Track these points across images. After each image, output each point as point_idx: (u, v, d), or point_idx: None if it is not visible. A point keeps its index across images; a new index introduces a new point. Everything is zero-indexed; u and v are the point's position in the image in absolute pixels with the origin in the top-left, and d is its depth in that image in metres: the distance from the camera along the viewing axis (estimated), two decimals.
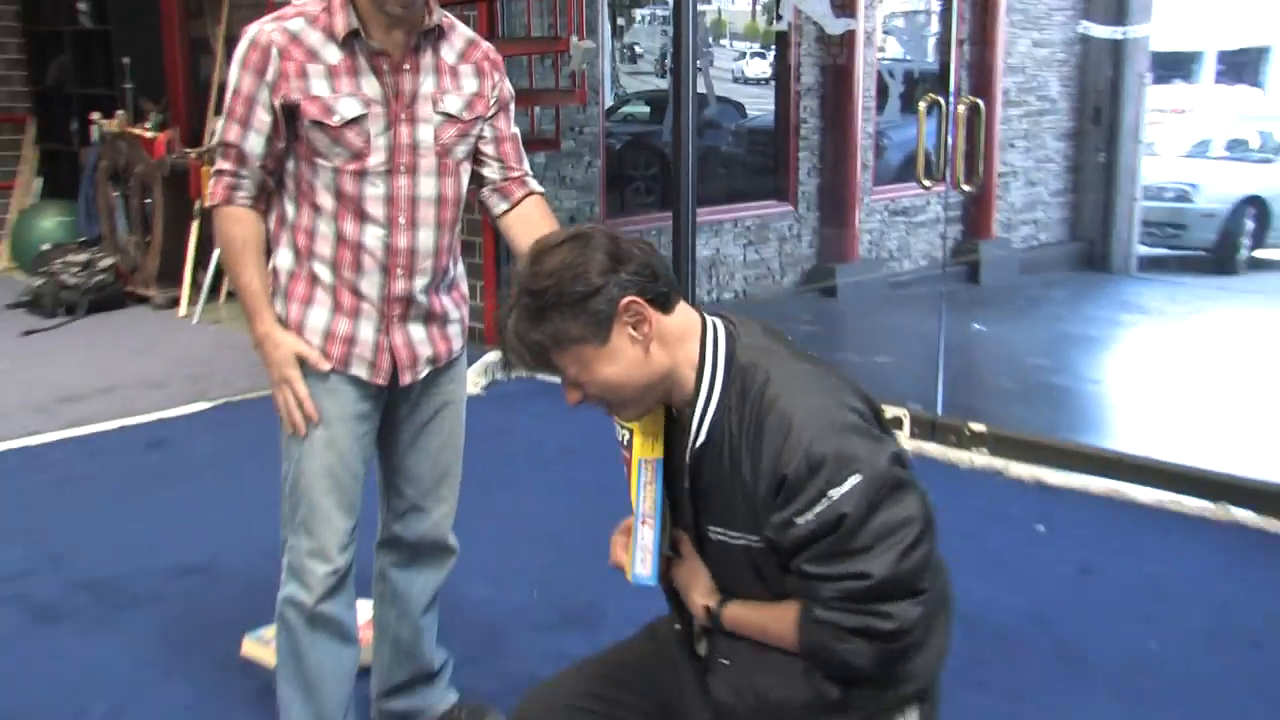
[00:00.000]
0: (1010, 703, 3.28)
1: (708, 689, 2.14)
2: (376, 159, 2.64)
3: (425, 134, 2.68)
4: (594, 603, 3.88)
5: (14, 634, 3.79)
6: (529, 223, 2.81)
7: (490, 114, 2.81)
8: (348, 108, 2.60)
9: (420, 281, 2.74)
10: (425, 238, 2.72)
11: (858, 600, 1.91)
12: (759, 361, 2.02)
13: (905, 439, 5.25)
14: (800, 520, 1.89)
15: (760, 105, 9.49)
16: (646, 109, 9.26)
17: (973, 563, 4.06)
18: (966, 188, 5.70)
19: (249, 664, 3.53)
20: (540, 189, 2.90)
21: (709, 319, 2.10)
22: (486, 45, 2.82)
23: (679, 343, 2.05)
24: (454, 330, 2.89)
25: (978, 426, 5.14)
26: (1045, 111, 9.97)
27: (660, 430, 2.14)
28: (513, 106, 2.89)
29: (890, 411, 5.34)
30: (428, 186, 2.70)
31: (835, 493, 1.88)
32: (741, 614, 2.06)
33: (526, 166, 2.89)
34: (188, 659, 3.59)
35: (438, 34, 2.69)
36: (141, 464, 5.27)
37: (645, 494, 2.13)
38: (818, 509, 1.89)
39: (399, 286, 2.71)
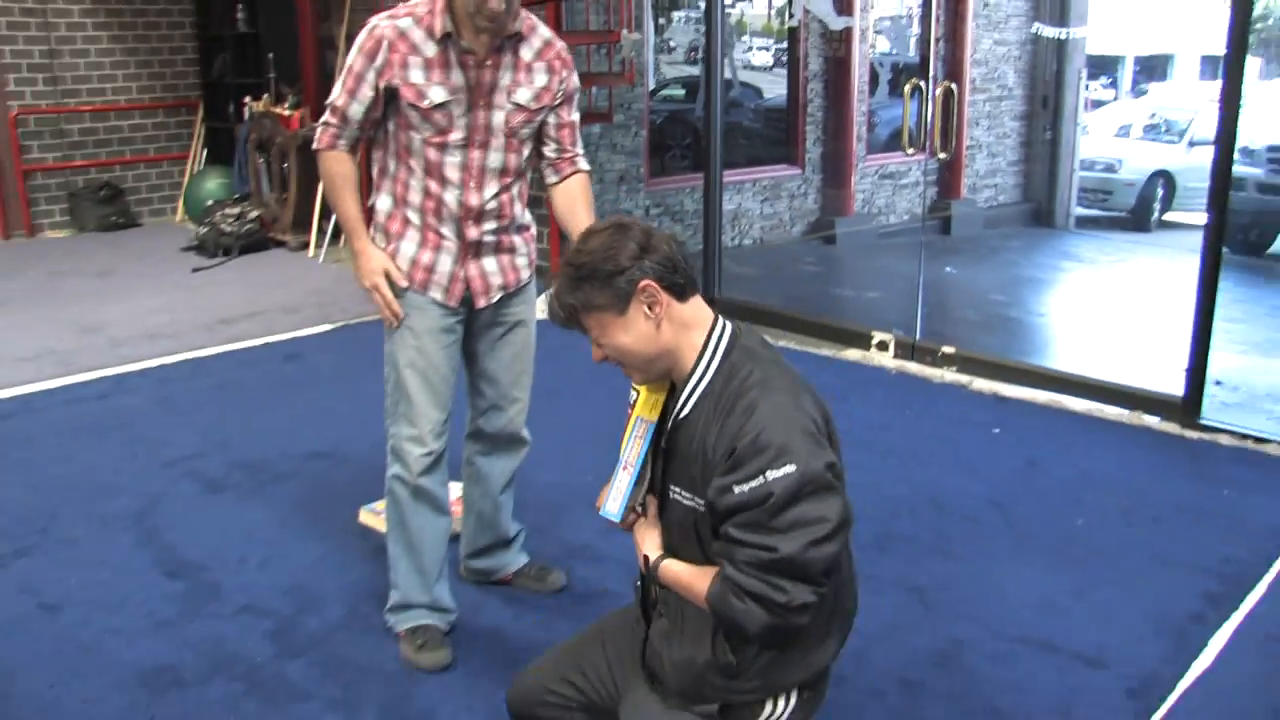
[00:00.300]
0: (972, 568, 3.31)
1: (644, 656, 2.14)
2: (457, 136, 2.71)
3: (498, 119, 2.74)
4: None
5: (191, 501, 3.87)
6: (570, 195, 2.86)
7: (555, 104, 2.82)
8: (437, 94, 2.66)
9: (489, 226, 2.80)
10: (491, 197, 2.78)
11: (762, 569, 1.87)
12: (749, 360, 1.98)
13: (890, 359, 5.26)
14: (736, 489, 1.86)
15: (770, 89, 9.49)
16: (682, 91, 9.28)
17: (943, 459, 4.08)
18: (942, 155, 5.65)
19: (365, 529, 3.60)
20: (587, 167, 2.89)
21: (722, 320, 2.06)
22: (560, 46, 2.81)
23: (686, 328, 2.01)
24: (522, 263, 2.93)
25: (948, 349, 5.13)
26: (1003, 97, 9.88)
27: (661, 399, 2.11)
28: (577, 97, 2.87)
29: (878, 336, 5.35)
30: (495, 159, 2.76)
31: (771, 474, 1.84)
32: (674, 569, 2.03)
33: (579, 148, 2.89)
34: (318, 524, 3.66)
35: (519, 38, 2.71)
36: (281, 372, 5.32)
37: (633, 445, 2.11)
38: (752, 484, 1.85)
39: (471, 232, 2.79)
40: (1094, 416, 4.53)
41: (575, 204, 2.85)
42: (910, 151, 5.85)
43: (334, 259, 7.66)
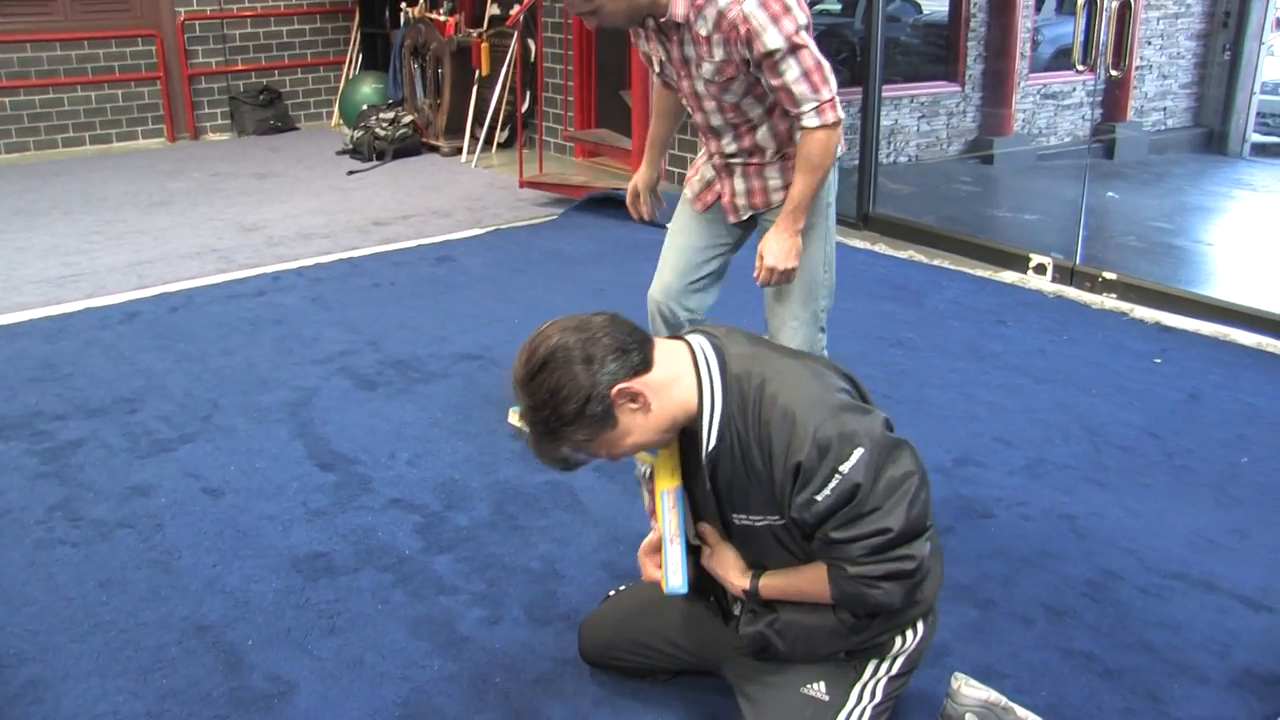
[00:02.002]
0: (1127, 499, 3.20)
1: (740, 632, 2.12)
2: (682, 97, 2.97)
3: (699, 86, 2.83)
4: None
5: (344, 396, 3.96)
6: (798, 154, 2.81)
7: (753, 69, 2.72)
8: (653, 59, 2.94)
9: (735, 160, 2.94)
10: (728, 143, 2.92)
11: (881, 552, 1.85)
12: (750, 368, 1.92)
13: (1048, 283, 5.09)
14: (820, 497, 1.83)
15: (930, 3, 9.15)
16: (838, 5, 9.03)
17: (1100, 387, 3.94)
18: (1114, 72, 5.38)
19: (513, 430, 3.63)
20: (813, 124, 2.71)
21: (695, 342, 1.99)
22: (735, 14, 2.62)
23: (674, 385, 1.94)
24: (774, 185, 2.95)
25: (1109, 274, 4.94)
26: (1180, 15, 9.35)
27: (676, 462, 2.05)
28: (776, 60, 2.65)
29: (1036, 259, 5.17)
30: (715, 118, 2.89)
31: (845, 467, 1.82)
32: (776, 583, 2.00)
33: (804, 105, 2.69)
34: (467, 422, 3.71)
35: (691, 19, 2.72)
36: (431, 274, 5.38)
37: (670, 518, 2.05)
38: (833, 484, 1.82)
39: (717, 160, 2.99)
40: (1263, 351, 4.31)
41: (799, 163, 2.80)
42: (1080, 69, 5.59)
43: (486, 164, 7.71)
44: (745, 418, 1.89)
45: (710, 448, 1.94)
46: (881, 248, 5.69)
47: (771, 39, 2.62)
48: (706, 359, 1.95)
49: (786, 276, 2.89)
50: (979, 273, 5.26)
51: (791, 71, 2.66)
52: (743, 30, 2.63)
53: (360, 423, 3.73)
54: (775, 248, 2.84)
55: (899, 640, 2.05)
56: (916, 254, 5.55)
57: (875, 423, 1.86)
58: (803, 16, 2.67)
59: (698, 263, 3.12)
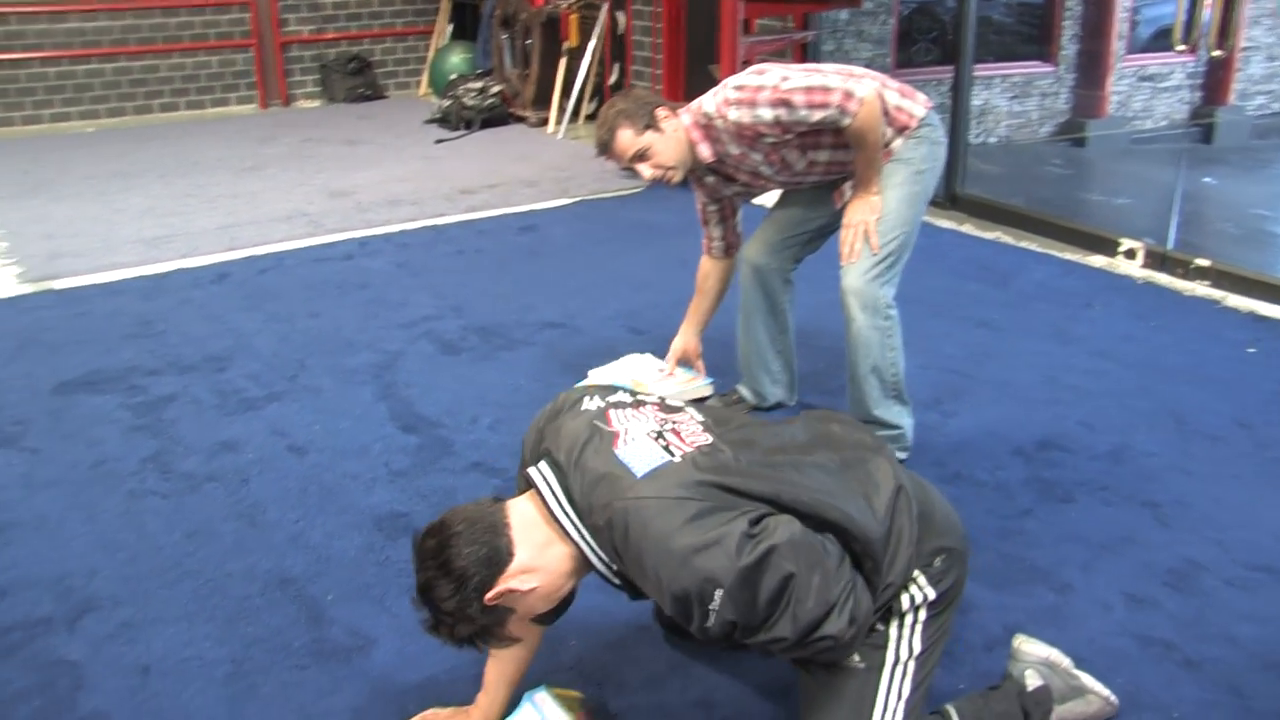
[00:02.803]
0: (1213, 489, 3.13)
1: None
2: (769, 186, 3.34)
3: (769, 172, 3.15)
4: None
5: (427, 360, 4.02)
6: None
7: (781, 136, 2.98)
8: (726, 196, 3.39)
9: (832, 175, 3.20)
10: (816, 177, 3.19)
11: (796, 646, 1.83)
12: (598, 502, 1.83)
13: (1137, 268, 4.99)
14: (708, 626, 1.78)
15: None
16: None
17: (1189, 375, 3.86)
18: (1217, 53, 5.27)
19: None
20: (846, 122, 2.89)
21: (543, 489, 1.92)
22: (733, 122, 2.97)
23: (547, 550, 1.90)
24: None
25: (1202, 261, 4.82)
26: None
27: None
28: (785, 121, 2.92)
29: (1126, 244, 5.07)
30: (801, 170, 3.14)
31: (712, 608, 1.75)
32: None
33: (832, 122, 2.90)
34: (549, 388, 3.71)
35: (719, 152, 3.10)
36: (516, 243, 5.42)
37: None
38: (710, 622, 1.77)
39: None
40: None
41: (854, 149, 3.01)
42: (1180, 49, 5.47)
43: (573, 135, 7.73)
44: (621, 558, 1.85)
45: (615, 570, 1.92)
46: (969, 228, 5.62)
47: (768, 115, 2.91)
48: (561, 508, 1.90)
49: (868, 233, 3.04)
50: (1067, 256, 5.17)
51: (803, 113, 2.89)
52: (750, 131, 2.97)
53: (444, 387, 3.78)
54: (853, 210, 3.06)
55: (906, 599, 2.00)
56: (1004, 235, 5.48)
57: (730, 542, 1.74)
58: (770, 77, 2.93)
59: (797, 221, 3.32)
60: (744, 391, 3.59)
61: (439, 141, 7.65)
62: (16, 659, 2.45)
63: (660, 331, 4.24)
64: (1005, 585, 2.62)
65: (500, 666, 2.20)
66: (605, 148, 3.05)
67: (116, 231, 5.57)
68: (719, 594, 1.74)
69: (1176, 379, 3.82)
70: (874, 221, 3.04)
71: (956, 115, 5.96)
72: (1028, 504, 3.04)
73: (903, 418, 3.22)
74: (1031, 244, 5.35)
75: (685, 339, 3.57)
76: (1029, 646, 2.27)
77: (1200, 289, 4.72)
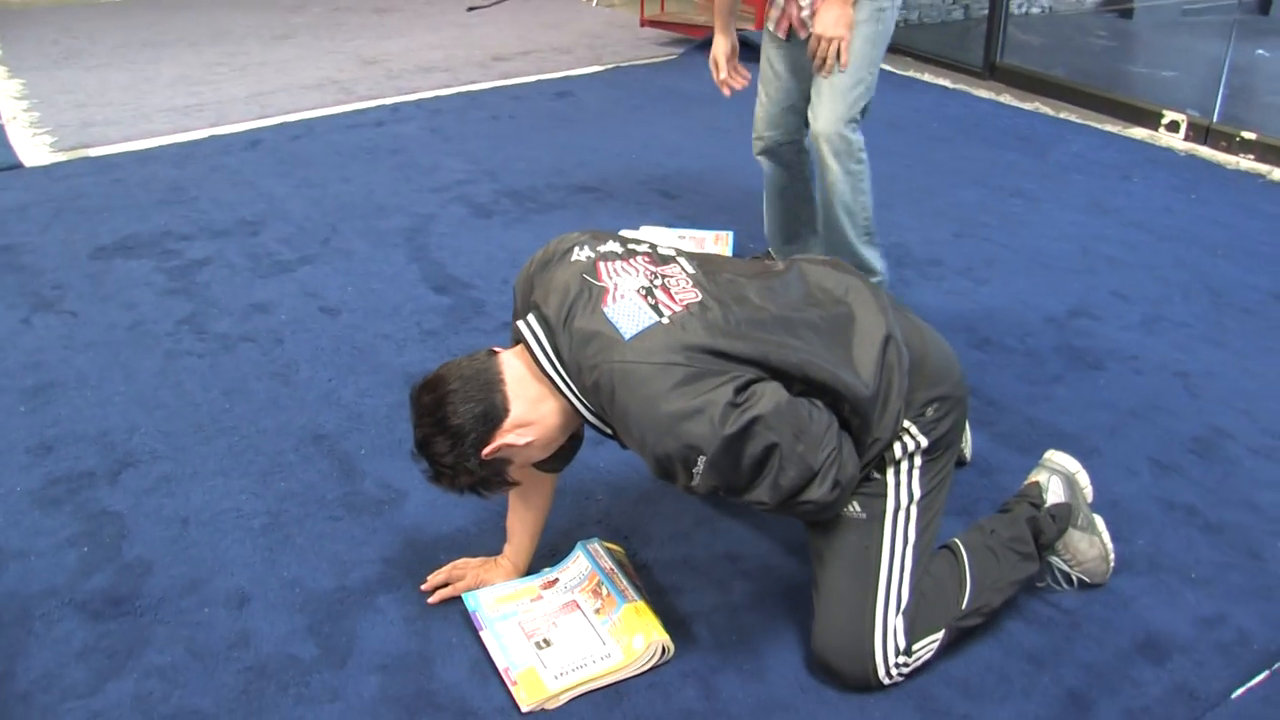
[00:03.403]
0: (1245, 361, 3.12)
1: None
2: None
3: None
4: (900, 242, 3.83)
5: (460, 223, 4.02)
6: None
7: None
8: None
9: None
10: None
11: (777, 509, 1.85)
12: (586, 363, 1.81)
13: (1180, 141, 4.90)
14: (692, 485, 1.79)
15: None
16: None
17: (1227, 248, 3.81)
18: None
19: None
20: None
21: (528, 342, 1.91)
22: None
23: (538, 402, 1.91)
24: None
25: (1248, 134, 4.73)
26: None
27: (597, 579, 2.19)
28: None
29: (1169, 116, 4.97)
30: None
31: (696, 474, 1.76)
32: None
33: None
34: None
35: None
36: (550, 108, 5.37)
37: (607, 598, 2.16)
38: (694, 483, 1.78)
39: None
40: None
41: None
42: None
43: (607, 3, 7.60)
44: (607, 412, 1.85)
45: (602, 422, 1.93)
46: (1007, 98, 5.52)
47: None
48: (552, 364, 1.90)
49: (836, 47, 2.97)
50: (1107, 128, 5.08)
51: None
52: None
53: (475, 249, 3.79)
54: (826, 17, 2.96)
55: (899, 447, 2.00)
56: (1043, 106, 5.38)
57: (715, 410, 1.73)
58: None
59: (788, 90, 3.25)
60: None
61: (472, 9, 7.54)
62: (64, 509, 2.52)
63: (691, 197, 4.23)
64: (1032, 449, 2.63)
65: (522, 517, 2.25)
66: None
67: (147, 100, 5.55)
68: (702, 460, 1.75)
69: (1214, 252, 3.78)
70: (848, 39, 2.97)
71: None
72: (1057, 370, 3.04)
73: (878, 261, 3.23)
74: (1071, 115, 5.25)
75: (721, 43, 3.33)
76: (1059, 457, 2.31)
77: (1245, 163, 4.64)
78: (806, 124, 3.25)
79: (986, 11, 5.98)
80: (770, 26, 3.21)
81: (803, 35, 3.09)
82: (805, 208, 3.44)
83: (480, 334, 3.23)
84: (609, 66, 6.09)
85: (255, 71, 6.04)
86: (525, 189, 4.30)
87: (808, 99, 3.17)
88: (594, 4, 7.60)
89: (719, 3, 3.31)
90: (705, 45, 6.37)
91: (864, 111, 3.06)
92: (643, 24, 6.80)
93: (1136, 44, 7.61)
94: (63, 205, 4.23)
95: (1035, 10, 7.47)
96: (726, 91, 3.34)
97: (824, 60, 2.99)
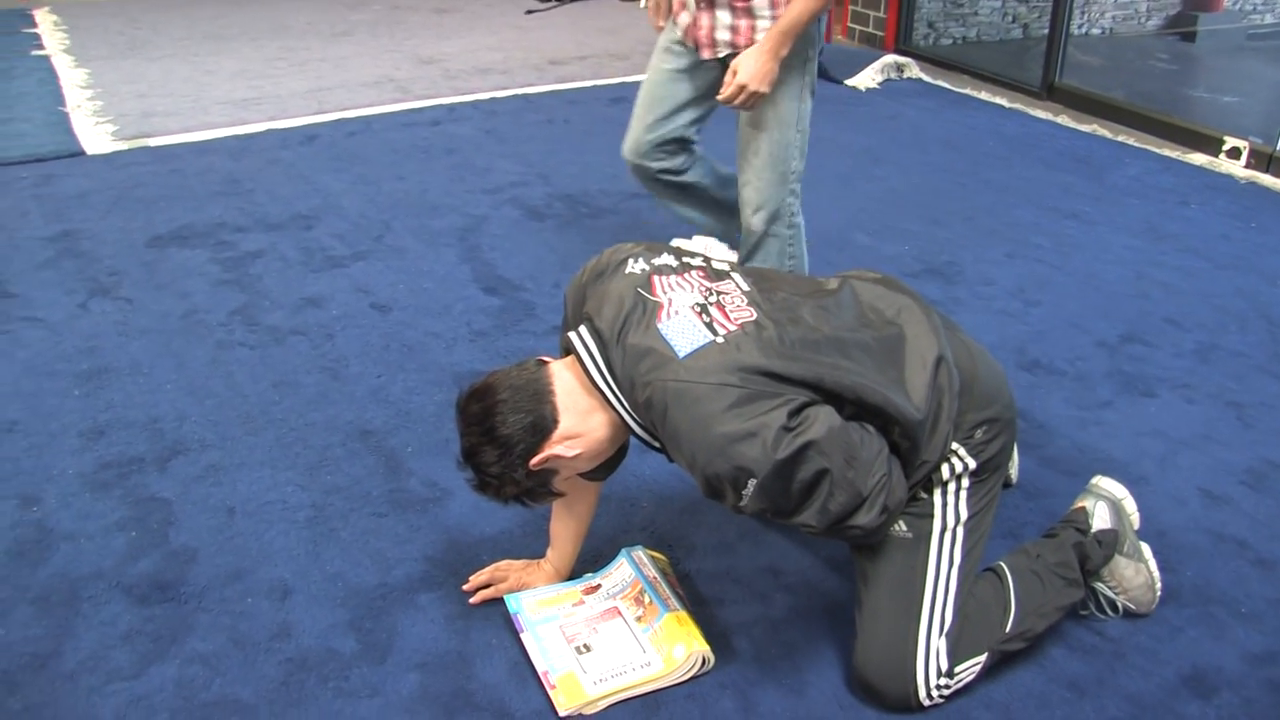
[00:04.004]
0: None
1: None
2: None
3: None
4: (952, 261, 3.81)
5: (513, 224, 4.04)
6: None
7: None
8: None
9: None
10: None
11: (824, 533, 1.85)
12: (639, 379, 1.80)
13: (1240, 168, 4.83)
14: (740, 506, 1.78)
15: None
16: None
17: None
18: None
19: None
20: None
21: (580, 354, 1.90)
22: None
23: (589, 418, 1.91)
24: (762, 25, 2.75)
25: None
26: None
27: (638, 585, 2.19)
28: None
29: (1230, 142, 4.91)
30: None
31: (745, 495, 1.74)
32: None
33: None
34: None
35: None
36: (605, 114, 5.37)
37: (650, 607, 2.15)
38: (743, 503, 1.76)
39: None
40: None
41: None
42: None
43: None
44: (654, 426, 1.84)
45: (651, 436, 1.92)
46: (1064, 119, 5.47)
47: None
48: (604, 378, 1.88)
49: (754, 101, 2.75)
50: (1166, 152, 5.03)
51: None
52: None
53: (527, 251, 3.80)
54: (750, 65, 2.70)
55: (946, 468, 1.99)
56: (1101, 128, 5.33)
57: (768, 434, 1.72)
58: None
59: (683, 108, 3.02)
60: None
61: (530, 12, 7.57)
62: (114, 494, 2.55)
63: None
64: (1079, 474, 2.60)
65: (566, 523, 2.25)
66: None
67: (207, 92, 5.61)
68: (752, 482, 1.74)
69: (1273, 282, 3.72)
70: (761, 92, 2.75)
71: (1059, 3, 5.78)
72: (1108, 396, 3.01)
73: None
74: (1129, 138, 5.20)
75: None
76: (1106, 483, 2.29)
77: None
78: (689, 149, 3.10)
79: (1046, 31, 5.93)
80: (677, 33, 2.95)
81: (705, 55, 2.88)
82: (723, 190, 3.27)
83: (530, 336, 3.24)
84: None
85: (314, 67, 6.09)
86: (578, 193, 4.30)
87: (697, 123, 3.02)
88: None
89: None
90: None
91: (801, 171, 2.92)
92: None
93: (1198, 68, 7.52)
94: (122, 193, 4.28)
95: (1095, 31, 7.41)
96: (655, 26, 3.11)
97: (736, 107, 2.81)
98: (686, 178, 3.17)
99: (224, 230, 3.96)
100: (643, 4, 7.74)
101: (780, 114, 2.81)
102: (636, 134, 3.08)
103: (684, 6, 2.86)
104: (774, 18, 2.72)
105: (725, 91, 2.74)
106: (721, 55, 2.83)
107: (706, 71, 2.95)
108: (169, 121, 5.12)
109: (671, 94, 2.98)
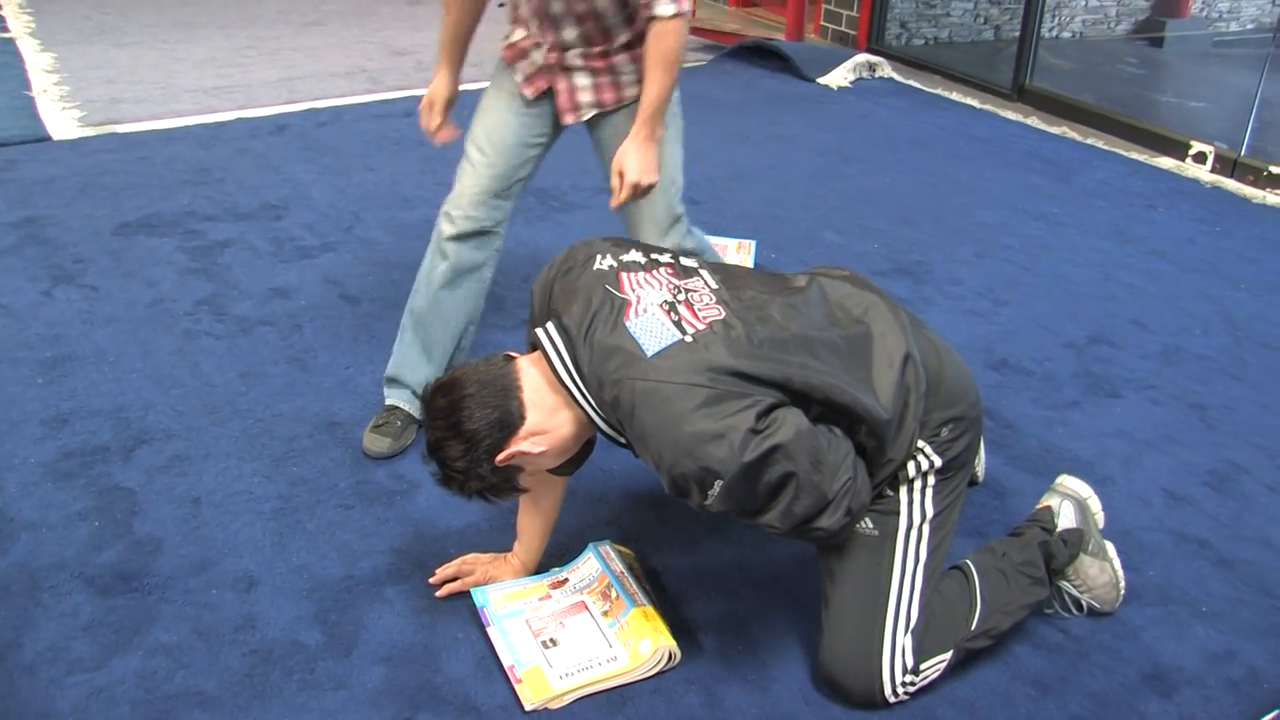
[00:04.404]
0: (1263, 395, 3.10)
1: None
2: None
3: None
4: (921, 260, 3.82)
5: None
6: (648, 49, 2.38)
7: None
8: None
9: (574, 53, 2.50)
10: (568, 31, 2.46)
11: (788, 534, 1.86)
12: (607, 378, 1.79)
13: (1206, 172, 4.88)
14: (705, 504, 1.78)
15: None
16: None
17: (1249, 281, 3.80)
18: None
19: None
20: (668, 11, 2.32)
21: (546, 352, 1.89)
22: None
23: (554, 412, 1.90)
24: (626, 80, 2.53)
25: (1276, 169, 4.71)
26: None
27: (606, 582, 2.18)
28: None
29: (1196, 147, 4.95)
30: (557, 7, 2.43)
31: (711, 495, 1.75)
32: None
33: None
34: None
35: None
36: None
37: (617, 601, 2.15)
38: (709, 503, 1.77)
39: (552, 58, 2.52)
40: None
41: (654, 61, 2.38)
42: None
43: None
44: (620, 423, 1.84)
45: (616, 433, 1.92)
46: (1034, 121, 5.51)
47: None
48: (571, 376, 1.88)
49: (647, 192, 2.48)
50: (1133, 155, 5.07)
51: None
52: None
53: (509, 245, 3.76)
54: (637, 161, 2.41)
55: (912, 466, 1.99)
56: (1070, 131, 5.37)
57: (735, 436, 1.71)
58: None
59: (516, 164, 2.68)
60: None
61: (502, 4, 7.52)
62: (77, 483, 2.53)
63: (715, 204, 4.23)
64: (1045, 473, 2.62)
65: (532, 518, 2.25)
66: None
67: (176, 80, 5.56)
68: (718, 483, 1.74)
69: (1237, 285, 3.76)
70: (655, 183, 2.46)
71: (1030, 6, 5.82)
72: (1074, 396, 3.03)
73: None
74: (1098, 141, 5.24)
75: (443, 82, 2.82)
76: (1071, 482, 2.31)
77: (1271, 198, 4.62)
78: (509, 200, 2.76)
79: (1017, 33, 5.97)
80: (517, 77, 2.62)
81: (568, 120, 2.63)
82: (460, 320, 2.80)
83: (498, 330, 3.23)
84: None
85: (285, 56, 6.05)
86: (549, 187, 4.29)
87: (530, 178, 2.76)
88: None
89: (450, 28, 2.75)
90: (735, 53, 6.39)
91: (681, 191, 2.70)
92: None
93: (1166, 73, 7.59)
94: (88, 180, 4.24)
95: (1066, 34, 7.47)
96: (436, 142, 2.83)
97: (619, 200, 2.47)
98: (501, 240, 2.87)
99: (192, 219, 3.92)
100: None
101: (666, 164, 2.59)
102: (481, 181, 2.70)
103: (517, 52, 2.61)
104: (635, 69, 2.51)
105: (620, 196, 2.45)
106: (587, 118, 2.62)
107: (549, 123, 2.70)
108: (137, 108, 5.08)
109: (525, 130, 2.69)
